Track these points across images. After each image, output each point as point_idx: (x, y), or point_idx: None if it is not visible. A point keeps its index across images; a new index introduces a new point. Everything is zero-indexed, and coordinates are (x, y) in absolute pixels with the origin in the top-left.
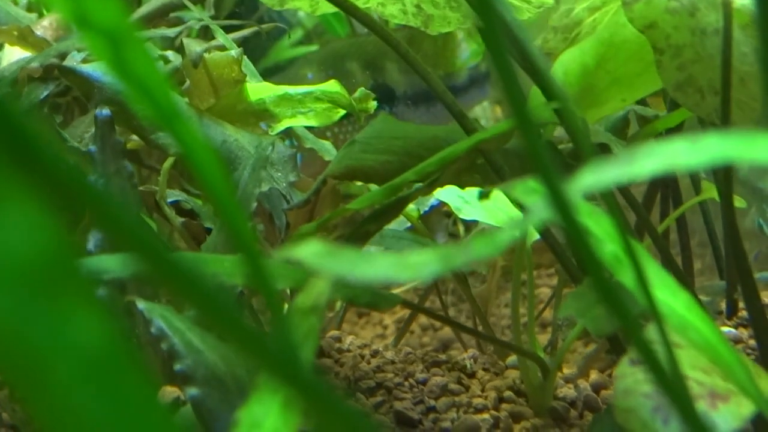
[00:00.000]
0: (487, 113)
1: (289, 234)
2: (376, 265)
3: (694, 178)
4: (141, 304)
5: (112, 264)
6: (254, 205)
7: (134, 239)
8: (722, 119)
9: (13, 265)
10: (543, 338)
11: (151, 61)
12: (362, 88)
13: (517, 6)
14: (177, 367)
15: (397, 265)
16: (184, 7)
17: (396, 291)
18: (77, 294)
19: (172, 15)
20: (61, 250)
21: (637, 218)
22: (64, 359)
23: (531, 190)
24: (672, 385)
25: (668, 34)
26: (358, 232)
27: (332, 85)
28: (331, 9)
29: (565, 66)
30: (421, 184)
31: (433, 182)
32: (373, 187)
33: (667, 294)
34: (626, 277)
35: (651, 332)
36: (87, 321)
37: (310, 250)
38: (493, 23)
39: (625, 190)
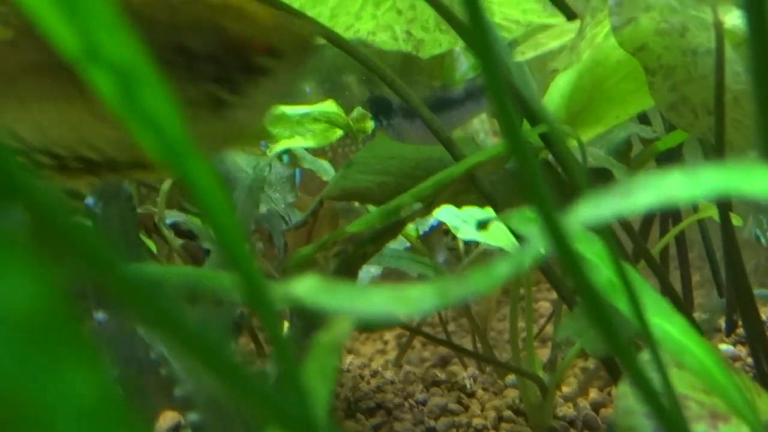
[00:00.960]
0: (486, 126)
1: (287, 255)
2: (373, 299)
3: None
4: (141, 329)
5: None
6: (252, 226)
7: (118, 278)
8: (717, 139)
9: (9, 319)
10: (544, 352)
11: (166, 98)
12: (359, 108)
13: (506, 26)
14: (177, 392)
15: (395, 299)
16: None
17: None
18: (73, 348)
19: None
20: (57, 303)
21: (632, 241)
22: (61, 414)
23: (527, 219)
24: (665, 409)
25: (659, 55)
26: (356, 253)
27: (329, 105)
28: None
29: (561, 88)
30: (418, 205)
31: (430, 204)
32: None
33: (662, 319)
34: (621, 302)
35: (645, 356)
36: (83, 374)
37: (306, 286)
38: (489, 54)
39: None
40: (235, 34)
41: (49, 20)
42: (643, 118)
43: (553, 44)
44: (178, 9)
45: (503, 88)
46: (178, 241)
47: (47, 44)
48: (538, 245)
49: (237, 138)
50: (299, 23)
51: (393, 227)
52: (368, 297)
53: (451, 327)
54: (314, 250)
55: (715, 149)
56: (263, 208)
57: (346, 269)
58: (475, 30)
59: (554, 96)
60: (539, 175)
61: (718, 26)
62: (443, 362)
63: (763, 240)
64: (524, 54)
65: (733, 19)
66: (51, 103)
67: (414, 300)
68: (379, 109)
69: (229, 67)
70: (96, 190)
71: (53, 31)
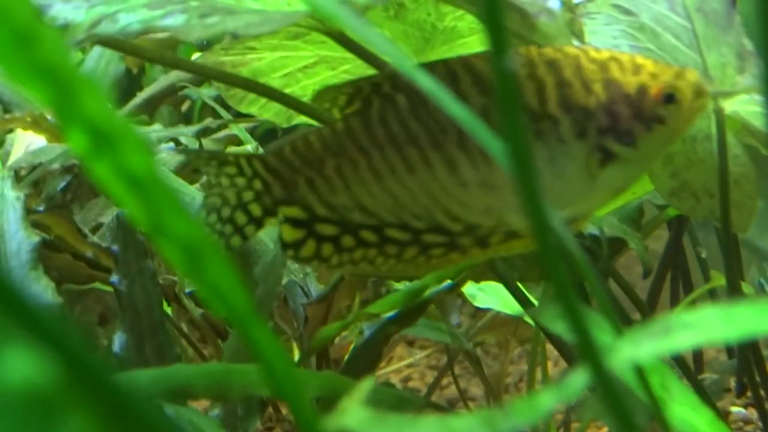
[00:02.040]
0: None
1: (307, 328)
2: (420, 430)
3: (703, 264)
4: (169, 409)
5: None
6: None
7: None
8: (722, 219)
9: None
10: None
11: (227, 268)
12: None
13: None
14: None
15: (441, 429)
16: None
17: (413, 358)
18: None
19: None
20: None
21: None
22: None
23: (556, 317)
24: None
25: None
26: (380, 333)
27: None
28: (305, 119)
29: None
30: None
31: (456, 285)
32: None
33: (689, 411)
34: (643, 392)
35: None
36: None
37: (356, 418)
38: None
39: (629, 289)
40: (630, 85)
41: (121, 198)
42: None
43: None
44: (561, 66)
45: (532, 177)
46: (198, 311)
47: (405, 116)
48: (579, 383)
49: (619, 194)
50: (689, 70)
51: (417, 309)
52: (416, 427)
53: (457, 370)
54: (338, 329)
55: (722, 229)
56: (284, 280)
57: (370, 349)
58: (507, 125)
59: None
60: (558, 255)
61: (719, 113)
62: (450, 405)
63: (766, 288)
64: None
65: (733, 105)
66: (409, 174)
67: (459, 431)
68: None
69: (623, 119)
70: (121, 268)
71: (126, 206)
